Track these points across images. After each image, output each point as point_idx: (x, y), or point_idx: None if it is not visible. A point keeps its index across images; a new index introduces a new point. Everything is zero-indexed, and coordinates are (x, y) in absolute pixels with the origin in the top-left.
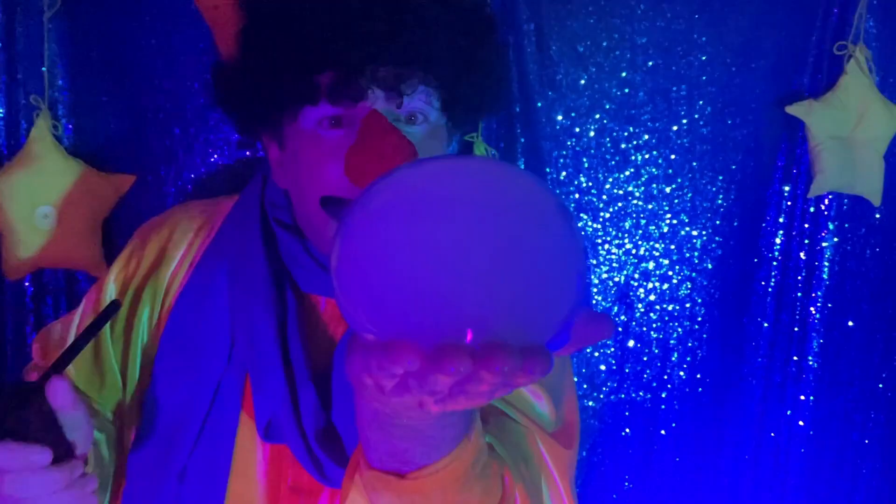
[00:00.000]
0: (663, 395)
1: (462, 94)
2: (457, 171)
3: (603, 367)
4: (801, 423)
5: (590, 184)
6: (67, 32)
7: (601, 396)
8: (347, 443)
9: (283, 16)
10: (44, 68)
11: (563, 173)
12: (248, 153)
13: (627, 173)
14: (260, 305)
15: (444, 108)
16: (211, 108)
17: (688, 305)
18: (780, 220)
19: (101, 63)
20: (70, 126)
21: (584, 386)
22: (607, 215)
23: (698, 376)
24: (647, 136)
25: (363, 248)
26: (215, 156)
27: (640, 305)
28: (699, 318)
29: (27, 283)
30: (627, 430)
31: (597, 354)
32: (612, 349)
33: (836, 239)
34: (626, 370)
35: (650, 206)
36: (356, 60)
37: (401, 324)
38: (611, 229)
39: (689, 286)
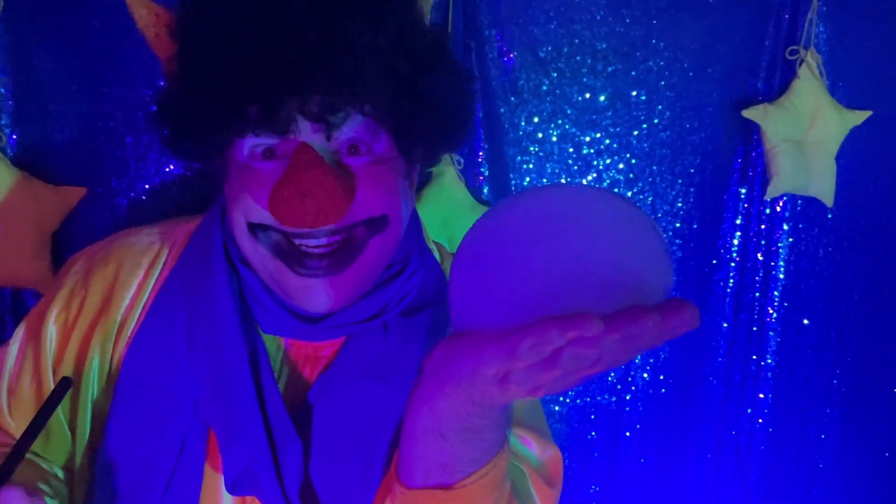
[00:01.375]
0: (627, 398)
1: (411, 124)
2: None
3: None
4: (760, 420)
5: None
6: (10, 39)
7: (566, 400)
8: (320, 490)
9: (212, 44)
10: None
11: (527, 179)
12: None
13: (590, 178)
14: (229, 350)
15: (395, 139)
16: None
17: None
18: (738, 221)
19: (47, 70)
20: (14, 136)
21: None
22: None
23: (661, 377)
24: (608, 141)
25: (498, 249)
26: (170, 166)
27: None
28: None
29: None
30: (593, 433)
31: None
32: None
33: (790, 239)
34: None
35: None
36: (280, 90)
37: (532, 313)
38: None
39: None
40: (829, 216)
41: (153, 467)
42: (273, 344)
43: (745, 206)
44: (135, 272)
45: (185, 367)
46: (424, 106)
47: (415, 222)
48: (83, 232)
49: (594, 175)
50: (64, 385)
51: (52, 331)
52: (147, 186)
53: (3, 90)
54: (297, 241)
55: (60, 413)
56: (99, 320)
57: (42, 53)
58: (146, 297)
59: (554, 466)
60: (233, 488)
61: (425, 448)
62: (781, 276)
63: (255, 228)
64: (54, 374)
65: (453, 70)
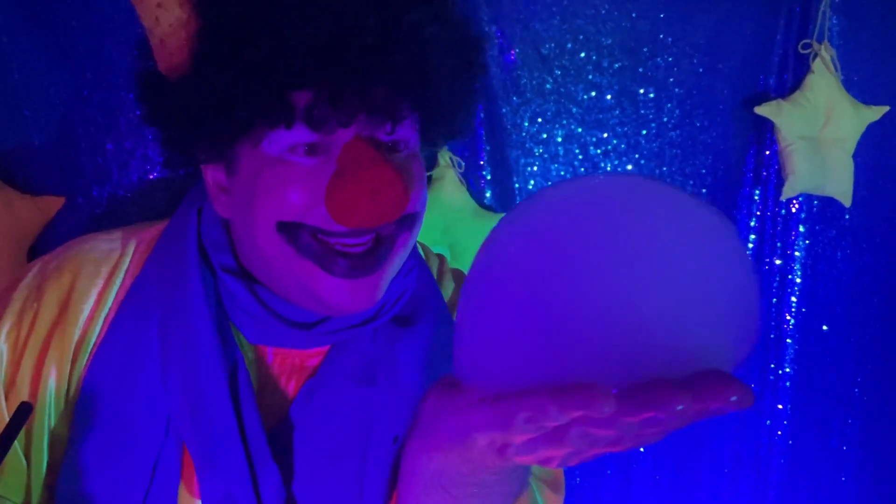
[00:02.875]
0: None
1: (442, 118)
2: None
3: None
4: (779, 433)
5: None
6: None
7: None
8: None
9: (255, 19)
10: None
11: (531, 182)
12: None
13: None
14: (205, 363)
15: (422, 133)
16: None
17: None
18: (752, 223)
19: (22, 73)
20: None
21: None
22: None
23: None
24: (615, 142)
25: (500, 292)
26: (154, 174)
27: None
28: None
29: None
30: None
31: None
32: None
33: (807, 242)
34: None
35: None
36: (347, 78)
37: (544, 371)
38: None
39: None
40: (847, 217)
41: (123, 495)
42: (255, 355)
43: (760, 207)
44: (93, 281)
45: (154, 384)
46: (456, 101)
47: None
48: (62, 244)
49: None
50: (23, 412)
51: (2, 350)
52: (129, 195)
53: None
54: (329, 240)
55: (17, 445)
56: (53, 337)
57: (17, 54)
58: (107, 308)
59: (558, 471)
60: None
61: (428, 497)
62: (798, 280)
63: (284, 228)
64: (6, 398)
65: (486, 66)
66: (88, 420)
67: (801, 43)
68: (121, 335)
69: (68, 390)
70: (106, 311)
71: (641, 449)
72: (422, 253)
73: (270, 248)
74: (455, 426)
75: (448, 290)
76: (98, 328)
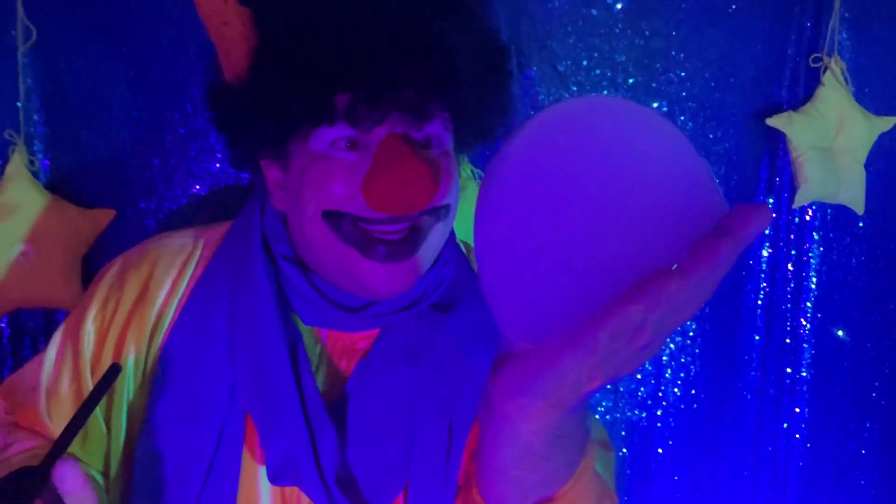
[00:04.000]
0: (658, 413)
1: (473, 119)
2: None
3: None
4: (797, 436)
5: None
6: (42, 67)
7: (596, 417)
8: (362, 482)
9: (303, 32)
10: (19, 103)
11: None
12: (231, 182)
13: None
14: (269, 341)
15: (456, 133)
16: (192, 139)
17: None
18: (766, 231)
19: (77, 96)
20: (47, 161)
21: None
22: None
23: (693, 392)
24: None
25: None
26: (196, 186)
27: None
28: (690, 334)
29: (4, 325)
30: (624, 451)
31: None
32: None
33: (821, 249)
34: (621, 389)
35: None
36: (380, 82)
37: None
38: None
39: None
40: (861, 224)
41: (192, 456)
42: (311, 337)
43: (774, 215)
44: (169, 270)
45: (222, 360)
46: (488, 104)
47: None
48: (113, 253)
49: None
50: (113, 372)
51: (89, 331)
52: (174, 208)
53: (35, 117)
54: (369, 228)
55: (98, 411)
56: (133, 318)
57: (73, 81)
58: (181, 293)
59: (604, 432)
60: (275, 478)
61: (519, 474)
62: (814, 286)
63: (329, 216)
64: (92, 374)
65: (512, 72)
66: (164, 390)
67: (812, 56)
68: (193, 316)
69: (145, 366)
70: (179, 295)
71: (660, 450)
72: (463, 248)
73: (317, 236)
74: (547, 380)
75: None
76: (172, 311)
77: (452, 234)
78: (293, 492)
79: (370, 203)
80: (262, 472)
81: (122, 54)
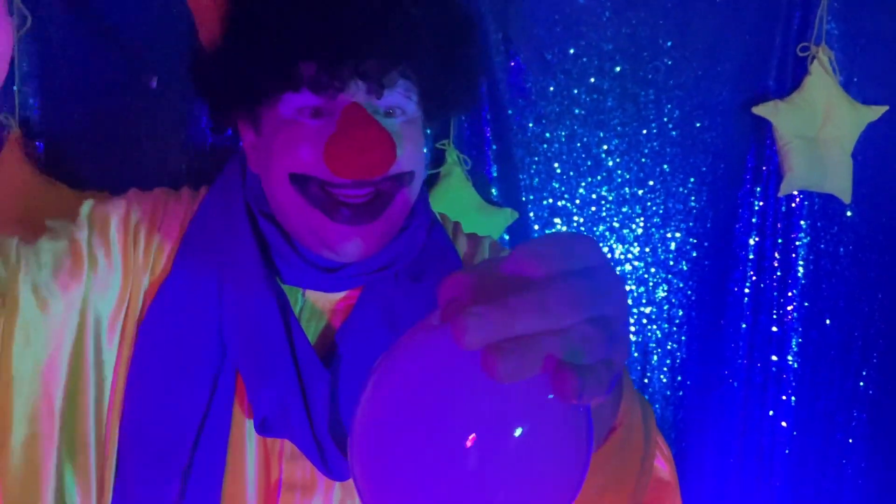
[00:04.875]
0: (644, 398)
1: (439, 90)
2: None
3: None
4: (783, 423)
5: (563, 189)
6: (38, 52)
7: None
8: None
9: (270, 1)
10: (15, 87)
11: (536, 179)
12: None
13: (599, 178)
14: (258, 295)
15: (420, 102)
16: (185, 123)
17: (665, 307)
18: (753, 220)
19: (73, 81)
20: (41, 144)
21: None
22: (581, 220)
23: (679, 379)
24: (617, 141)
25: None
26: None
27: None
28: (677, 321)
29: None
30: None
31: None
32: None
33: (808, 238)
34: None
35: (623, 210)
36: (341, 51)
37: None
38: (585, 234)
39: (666, 288)
40: (849, 213)
41: (183, 411)
42: (291, 297)
43: (760, 204)
44: (172, 223)
45: (212, 315)
46: (454, 75)
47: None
48: None
49: (603, 175)
50: None
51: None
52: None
53: (31, 101)
54: (334, 191)
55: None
56: (150, 241)
57: (67, 66)
58: (175, 245)
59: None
60: (262, 429)
61: None
62: (801, 275)
63: (296, 179)
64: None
65: (475, 48)
66: (154, 341)
67: (800, 46)
68: (184, 269)
69: (129, 307)
70: (172, 247)
71: None
72: (439, 219)
73: (286, 198)
74: None
75: (462, 247)
76: (164, 260)
77: (427, 203)
78: (274, 444)
79: (331, 167)
80: (248, 425)
81: (116, 39)
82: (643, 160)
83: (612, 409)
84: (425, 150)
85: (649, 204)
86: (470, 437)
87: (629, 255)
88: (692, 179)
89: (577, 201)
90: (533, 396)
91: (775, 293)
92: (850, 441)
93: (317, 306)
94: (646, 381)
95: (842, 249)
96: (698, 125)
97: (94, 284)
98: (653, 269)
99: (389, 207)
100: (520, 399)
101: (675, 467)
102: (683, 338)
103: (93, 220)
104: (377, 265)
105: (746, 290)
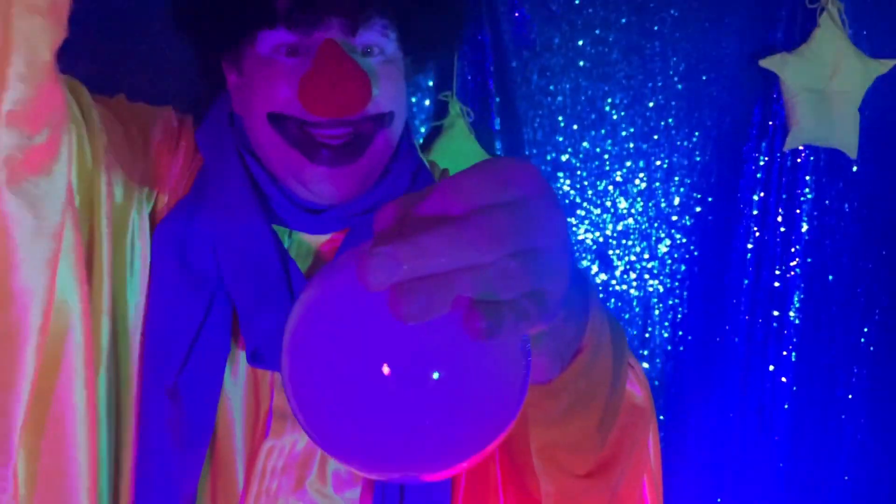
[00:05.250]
0: (645, 353)
1: (417, 29)
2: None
3: None
4: (783, 379)
5: (566, 143)
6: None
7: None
8: None
9: None
10: None
11: (539, 132)
12: None
13: (603, 132)
14: (255, 231)
15: (399, 42)
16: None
17: (668, 262)
18: (758, 175)
19: (80, 72)
20: None
21: None
22: (584, 174)
23: (680, 334)
24: (621, 94)
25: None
26: None
27: (619, 263)
28: (679, 276)
29: None
30: None
31: None
32: None
33: (813, 194)
34: None
35: (627, 164)
36: None
37: None
38: (588, 188)
39: (669, 243)
40: (854, 169)
41: (178, 335)
42: (281, 236)
43: (765, 159)
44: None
45: (209, 246)
46: (433, 14)
47: (406, 124)
48: None
49: (608, 128)
50: None
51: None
52: None
53: None
54: (313, 131)
55: None
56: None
57: (81, 61)
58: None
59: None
60: (253, 359)
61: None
62: (804, 231)
63: (274, 118)
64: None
65: None
66: (162, 256)
67: None
68: (185, 204)
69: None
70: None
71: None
72: (427, 165)
73: (265, 139)
74: None
75: None
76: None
77: (413, 147)
78: (264, 375)
79: (305, 104)
80: (241, 357)
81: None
82: (648, 114)
83: (575, 332)
84: (428, 102)
85: (653, 158)
86: (385, 369)
87: (632, 210)
88: (697, 133)
89: (581, 155)
90: (449, 332)
91: (778, 249)
92: (850, 397)
93: (303, 247)
94: (647, 335)
95: (846, 206)
96: (704, 78)
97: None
98: (656, 224)
99: (370, 149)
100: (434, 334)
101: (650, 392)
102: (685, 293)
103: (136, 111)
104: (360, 208)
105: (749, 246)
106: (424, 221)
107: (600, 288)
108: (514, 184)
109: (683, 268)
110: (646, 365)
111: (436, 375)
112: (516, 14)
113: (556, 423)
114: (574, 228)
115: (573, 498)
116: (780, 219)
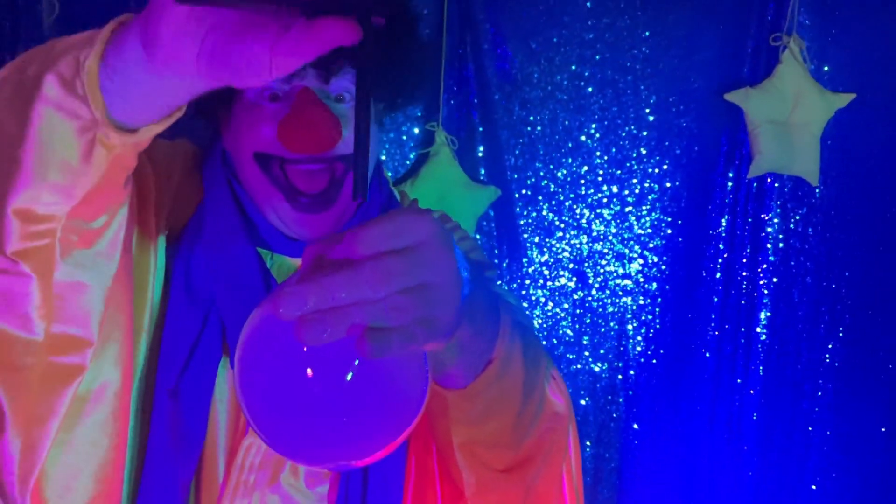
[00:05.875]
0: (619, 365)
1: (386, 79)
2: None
3: (566, 338)
4: (751, 391)
5: (545, 169)
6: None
7: (560, 367)
8: None
9: None
10: None
11: (520, 160)
12: None
13: (580, 159)
14: (241, 254)
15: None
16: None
17: (641, 281)
18: (726, 200)
19: None
20: None
21: None
22: (562, 198)
23: (653, 348)
24: (596, 125)
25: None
26: None
27: (595, 281)
28: (651, 294)
29: None
30: (587, 399)
31: (564, 325)
32: (570, 321)
33: (778, 218)
34: (584, 342)
35: (602, 189)
36: None
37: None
38: (565, 211)
39: (641, 262)
40: (817, 193)
41: (179, 343)
42: (264, 258)
43: (733, 185)
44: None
45: (204, 270)
46: (399, 64)
47: (378, 163)
48: None
49: (583, 156)
50: None
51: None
52: None
53: None
54: (293, 171)
55: None
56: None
57: None
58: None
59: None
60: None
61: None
62: (770, 252)
63: (259, 157)
64: None
65: (420, 41)
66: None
67: (773, 36)
68: (196, 227)
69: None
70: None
71: (620, 399)
72: (398, 195)
73: (252, 176)
74: None
75: None
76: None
77: (386, 183)
78: None
79: (283, 141)
80: (229, 364)
81: None
82: (621, 143)
83: (486, 346)
84: (417, 131)
85: (626, 184)
86: (309, 372)
87: (607, 232)
88: (667, 161)
89: (559, 181)
90: (350, 350)
91: (745, 271)
92: (816, 409)
93: (283, 266)
94: (622, 349)
95: (810, 229)
96: (674, 110)
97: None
98: (631, 243)
99: (342, 193)
100: (343, 349)
101: (570, 401)
102: (658, 310)
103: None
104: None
105: (718, 266)
106: (331, 264)
107: (577, 304)
108: (408, 232)
109: (655, 286)
110: (620, 377)
111: (349, 377)
112: (499, 51)
113: (474, 422)
114: (553, 248)
115: (491, 489)
116: (746, 241)
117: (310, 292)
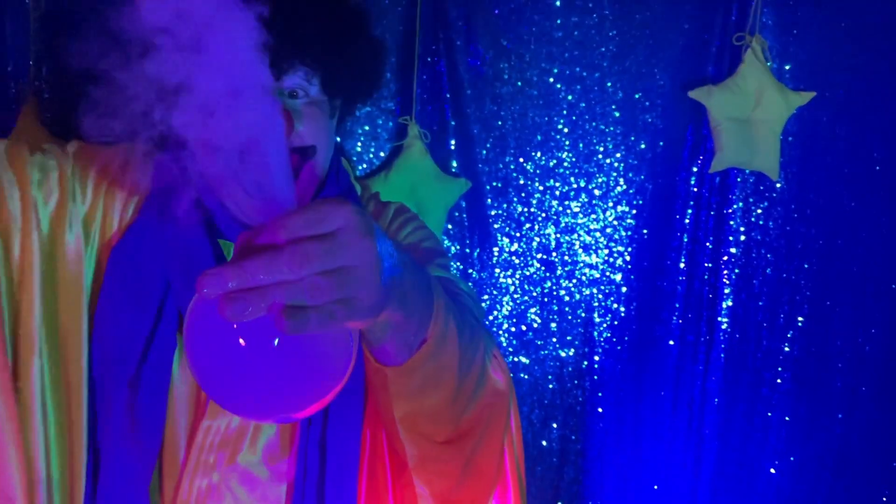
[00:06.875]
0: (586, 351)
1: (335, 76)
2: None
3: (534, 324)
4: (713, 378)
5: (514, 162)
6: (52, 31)
7: (529, 353)
8: None
9: None
10: (31, 62)
11: (491, 153)
12: None
13: (548, 153)
14: (199, 245)
15: (323, 87)
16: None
17: (606, 271)
18: (690, 193)
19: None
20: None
21: (514, 342)
22: (531, 190)
23: (618, 335)
24: (564, 120)
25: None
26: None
27: (562, 271)
28: (616, 283)
29: None
30: (554, 384)
31: (532, 312)
32: (538, 309)
33: (740, 211)
34: (552, 328)
35: (570, 182)
36: None
37: None
38: (534, 203)
39: (607, 253)
40: (778, 187)
41: (134, 335)
42: (225, 249)
43: (696, 179)
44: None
45: (159, 257)
46: (348, 62)
47: (335, 156)
48: None
49: (552, 150)
50: None
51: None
52: None
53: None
54: None
55: None
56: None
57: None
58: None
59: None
60: None
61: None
62: (732, 244)
63: None
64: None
65: (370, 40)
66: (116, 274)
67: (735, 36)
68: (144, 219)
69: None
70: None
71: (587, 384)
72: (359, 188)
73: (206, 168)
74: None
75: (385, 221)
76: (132, 209)
77: (345, 175)
78: None
79: None
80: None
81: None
82: (588, 137)
83: (419, 326)
84: (391, 125)
85: (593, 177)
86: (241, 341)
87: (575, 224)
88: (633, 156)
89: (528, 173)
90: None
91: (708, 262)
92: (776, 396)
93: None
94: (588, 335)
95: (771, 223)
96: (640, 107)
97: (66, 211)
98: (597, 234)
99: (297, 180)
100: (266, 325)
101: (511, 378)
102: (623, 298)
103: (77, 157)
104: None
105: (683, 255)
106: (256, 249)
107: (546, 292)
108: (329, 219)
109: (621, 276)
110: (586, 362)
111: (276, 343)
112: (471, 48)
113: (413, 397)
114: (522, 240)
115: (432, 460)
116: (710, 233)
117: (231, 273)
